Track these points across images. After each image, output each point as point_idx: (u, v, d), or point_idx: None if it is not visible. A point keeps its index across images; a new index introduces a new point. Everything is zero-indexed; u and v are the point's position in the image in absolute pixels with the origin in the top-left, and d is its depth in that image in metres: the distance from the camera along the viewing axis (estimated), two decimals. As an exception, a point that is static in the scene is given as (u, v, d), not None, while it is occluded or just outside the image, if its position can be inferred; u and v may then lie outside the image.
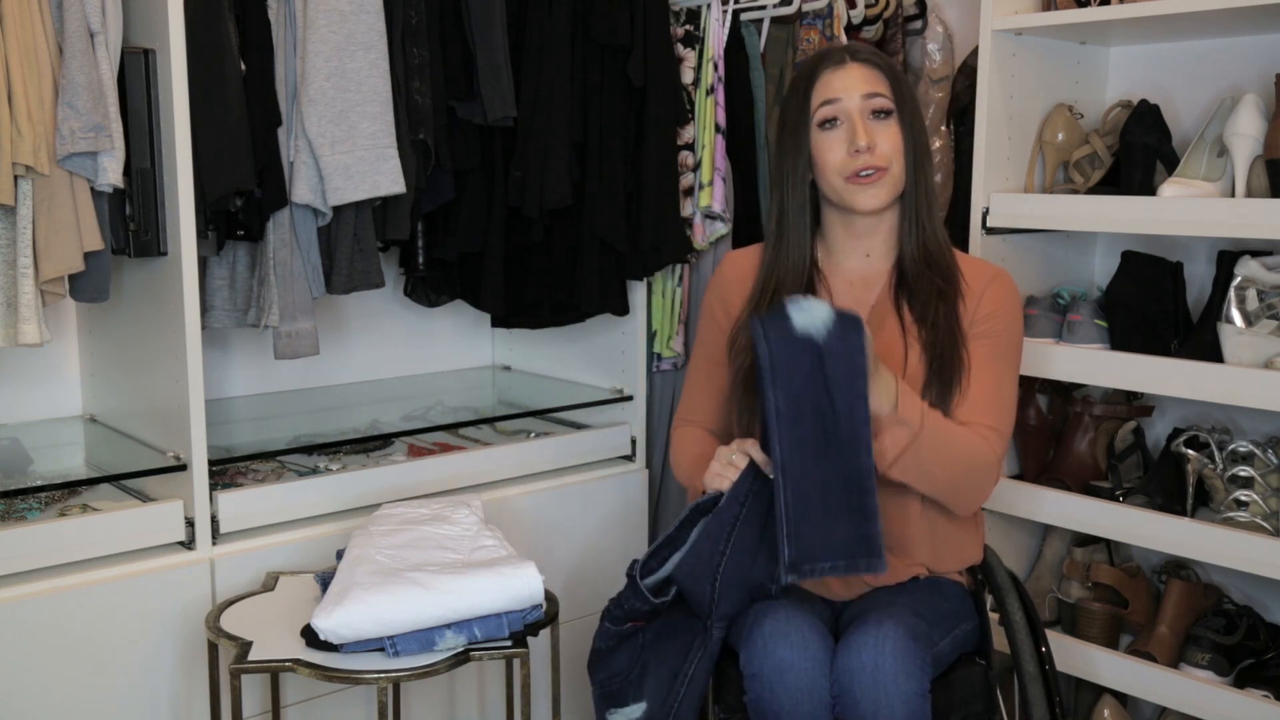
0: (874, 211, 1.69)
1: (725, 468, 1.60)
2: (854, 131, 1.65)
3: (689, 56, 2.41)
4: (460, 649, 1.56)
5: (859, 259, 1.76)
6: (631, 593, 1.62)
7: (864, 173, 1.66)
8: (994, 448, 1.66)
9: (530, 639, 1.60)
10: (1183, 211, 1.92)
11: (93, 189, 1.73)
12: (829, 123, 1.68)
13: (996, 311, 1.70)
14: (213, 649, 1.70)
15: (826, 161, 1.68)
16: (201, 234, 1.82)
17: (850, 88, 1.66)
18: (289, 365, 2.40)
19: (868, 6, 2.44)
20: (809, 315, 1.48)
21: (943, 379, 1.65)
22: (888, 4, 2.46)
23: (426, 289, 2.39)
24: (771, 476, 1.52)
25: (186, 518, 1.84)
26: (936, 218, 1.74)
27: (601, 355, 2.51)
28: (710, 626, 1.59)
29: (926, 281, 1.70)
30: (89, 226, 1.72)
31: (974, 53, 2.25)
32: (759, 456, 1.56)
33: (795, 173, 1.71)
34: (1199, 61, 2.22)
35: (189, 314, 1.79)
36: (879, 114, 1.67)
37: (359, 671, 1.50)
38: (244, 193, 1.89)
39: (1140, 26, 2.08)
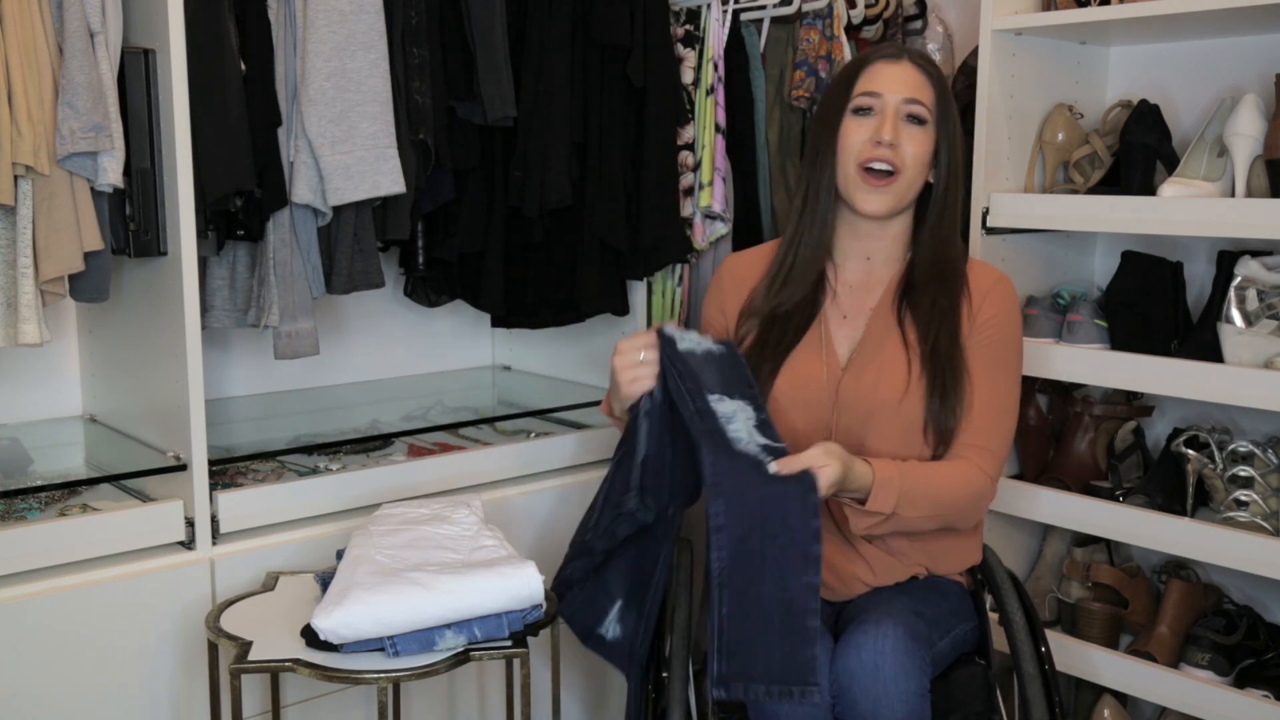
0: (873, 215, 1.70)
1: (638, 368, 1.63)
2: (883, 123, 1.66)
3: (689, 56, 2.41)
4: (460, 649, 1.56)
5: (859, 261, 1.76)
6: (616, 520, 1.65)
7: (877, 166, 1.66)
8: (985, 469, 1.67)
9: (530, 639, 1.60)
10: (1183, 211, 1.92)
11: (93, 189, 1.73)
12: (863, 110, 1.68)
13: (996, 317, 1.70)
14: (213, 649, 1.70)
15: (848, 143, 1.69)
16: (201, 234, 1.82)
17: (895, 87, 1.67)
18: (289, 365, 2.40)
19: (868, 6, 2.44)
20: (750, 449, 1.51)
21: (945, 393, 1.66)
22: (888, 4, 2.46)
23: (426, 289, 2.39)
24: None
25: (186, 518, 1.84)
26: (955, 236, 1.73)
27: (601, 355, 2.51)
28: (672, 516, 1.65)
29: (933, 294, 1.70)
30: (89, 226, 1.72)
31: (974, 53, 2.25)
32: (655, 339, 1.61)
33: (826, 152, 1.72)
34: (1199, 61, 2.22)
35: (189, 314, 1.79)
36: (913, 119, 1.67)
37: (359, 671, 1.50)
38: (244, 193, 1.89)
39: (1140, 26, 2.08)
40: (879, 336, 1.71)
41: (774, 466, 1.51)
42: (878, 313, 1.73)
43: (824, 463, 1.51)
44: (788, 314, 1.74)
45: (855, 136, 1.68)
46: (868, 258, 1.76)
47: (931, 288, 1.71)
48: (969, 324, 1.70)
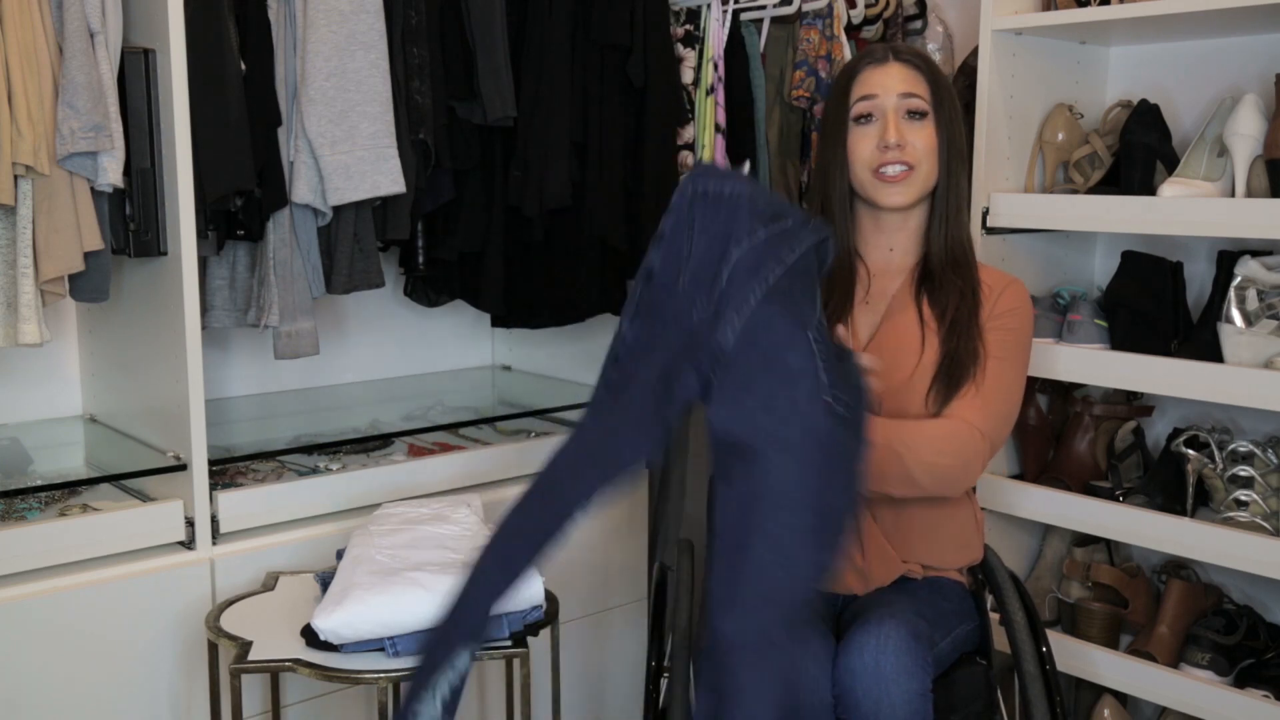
0: (899, 208, 1.73)
1: None
2: (885, 128, 1.68)
3: (689, 56, 2.41)
4: (460, 649, 1.56)
5: (882, 252, 1.79)
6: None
7: (891, 169, 1.69)
8: (976, 422, 1.64)
9: (530, 639, 1.60)
10: (1183, 211, 1.92)
11: (93, 189, 1.73)
12: (864, 118, 1.71)
13: (1016, 310, 1.73)
14: (213, 649, 1.70)
15: (857, 155, 1.72)
16: (201, 234, 1.82)
17: (888, 86, 1.69)
18: (289, 365, 2.40)
19: (868, 6, 2.44)
20: None
21: (950, 376, 1.67)
22: (888, 4, 2.46)
23: (426, 289, 2.39)
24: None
25: (186, 518, 1.84)
26: (964, 221, 1.75)
27: (601, 355, 2.50)
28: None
29: (950, 282, 1.72)
30: (89, 226, 1.72)
31: (974, 53, 2.25)
32: None
33: (835, 166, 1.75)
34: (1199, 61, 2.22)
35: (189, 314, 1.79)
36: (914, 114, 1.69)
37: (359, 671, 1.50)
38: (244, 193, 1.89)
39: (1140, 26, 2.08)
40: (896, 317, 1.73)
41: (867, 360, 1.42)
42: (898, 298, 1.75)
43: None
44: (824, 301, 1.74)
45: (863, 147, 1.71)
46: (890, 249, 1.78)
47: (949, 276, 1.73)
48: (987, 308, 1.72)
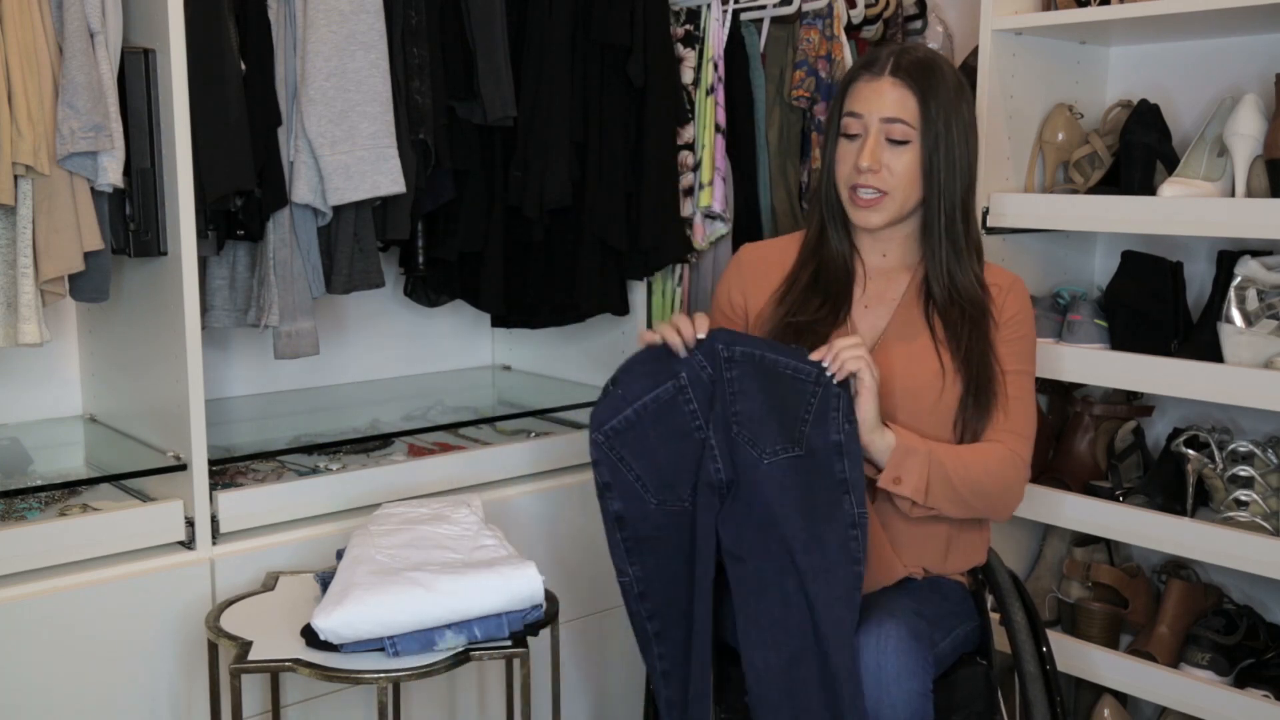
0: (869, 229, 1.72)
1: (668, 332, 1.58)
2: (862, 149, 1.67)
3: (689, 56, 2.41)
4: (460, 649, 1.56)
5: (876, 256, 1.79)
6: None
7: (863, 191, 1.68)
8: (1013, 447, 1.67)
9: (530, 639, 1.60)
10: (1183, 211, 1.92)
11: (93, 189, 1.73)
12: (850, 135, 1.70)
13: (1018, 315, 1.73)
14: (213, 649, 1.70)
15: (838, 170, 1.73)
16: (201, 234, 1.82)
17: (874, 107, 1.66)
18: (289, 365, 2.40)
19: (868, 6, 2.44)
20: None
21: (979, 403, 1.66)
22: (888, 4, 2.46)
23: (426, 289, 2.38)
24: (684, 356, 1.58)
25: (186, 518, 1.84)
26: (965, 245, 1.72)
27: (601, 355, 2.51)
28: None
29: (957, 308, 1.71)
30: (89, 226, 1.72)
31: (974, 53, 2.25)
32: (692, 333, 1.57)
33: (827, 171, 1.76)
34: (1199, 61, 2.22)
35: (189, 314, 1.79)
36: (895, 141, 1.66)
37: (359, 671, 1.50)
38: (244, 193, 1.88)
39: (1140, 26, 2.08)
40: (906, 326, 1.71)
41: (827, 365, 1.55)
42: (903, 304, 1.73)
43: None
44: (820, 302, 1.74)
45: (844, 163, 1.71)
46: (884, 254, 1.78)
47: (954, 302, 1.70)
48: (994, 315, 1.71)
